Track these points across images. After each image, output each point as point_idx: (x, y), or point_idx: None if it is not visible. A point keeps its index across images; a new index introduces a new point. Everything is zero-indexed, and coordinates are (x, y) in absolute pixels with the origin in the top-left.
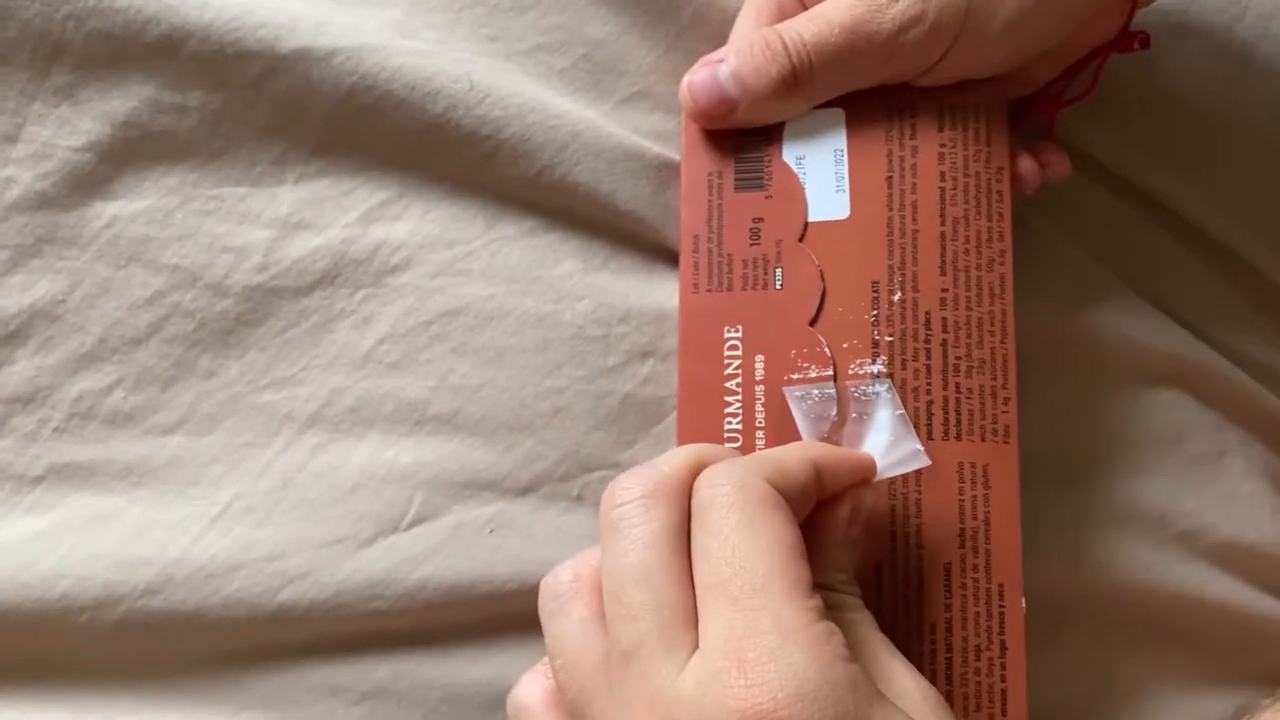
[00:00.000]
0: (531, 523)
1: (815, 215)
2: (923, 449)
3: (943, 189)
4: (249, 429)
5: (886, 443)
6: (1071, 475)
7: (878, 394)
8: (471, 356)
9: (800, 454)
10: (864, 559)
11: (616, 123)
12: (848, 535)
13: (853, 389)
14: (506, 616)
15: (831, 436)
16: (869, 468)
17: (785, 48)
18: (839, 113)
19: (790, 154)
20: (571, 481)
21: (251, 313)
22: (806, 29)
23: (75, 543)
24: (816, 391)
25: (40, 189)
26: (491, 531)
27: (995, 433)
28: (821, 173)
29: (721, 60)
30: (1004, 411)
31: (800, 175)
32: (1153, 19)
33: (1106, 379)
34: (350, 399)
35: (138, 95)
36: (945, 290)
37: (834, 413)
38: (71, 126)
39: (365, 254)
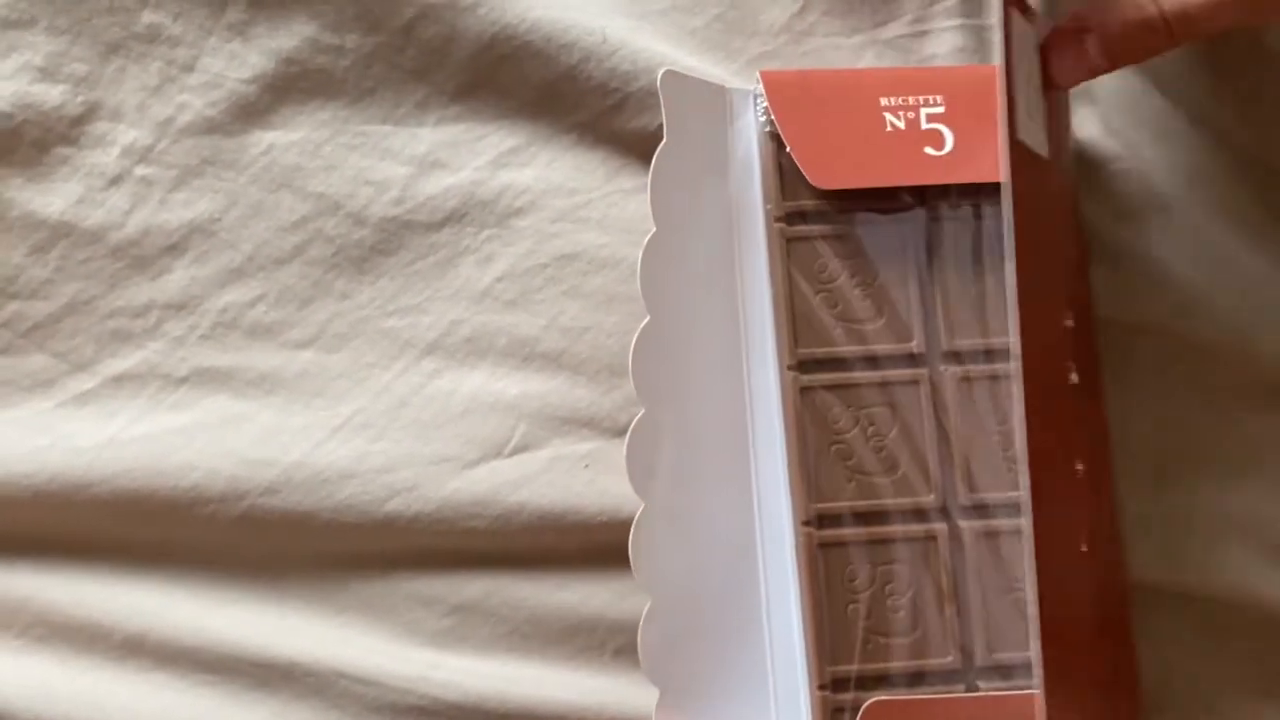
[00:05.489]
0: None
1: None
2: None
3: None
4: (373, 350)
5: None
6: (1193, 475)
7: None
8: (582, 300)
9: None
10: None
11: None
12: None
13: None
14: (593, 547)
15: None
16: None
17: None
18: None
19: None
20: None
21: (385, 243)
22: None
23: (210, 439)
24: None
25: (209, 115)
26: (587, 466)
27: None
28: None
29: None
30: None
31: None
32: None
33: (1232, 381)
34: (467, 330)
35: (300, 35)
36: None
37: None
38: (241, 60)
39: (492, 196)
